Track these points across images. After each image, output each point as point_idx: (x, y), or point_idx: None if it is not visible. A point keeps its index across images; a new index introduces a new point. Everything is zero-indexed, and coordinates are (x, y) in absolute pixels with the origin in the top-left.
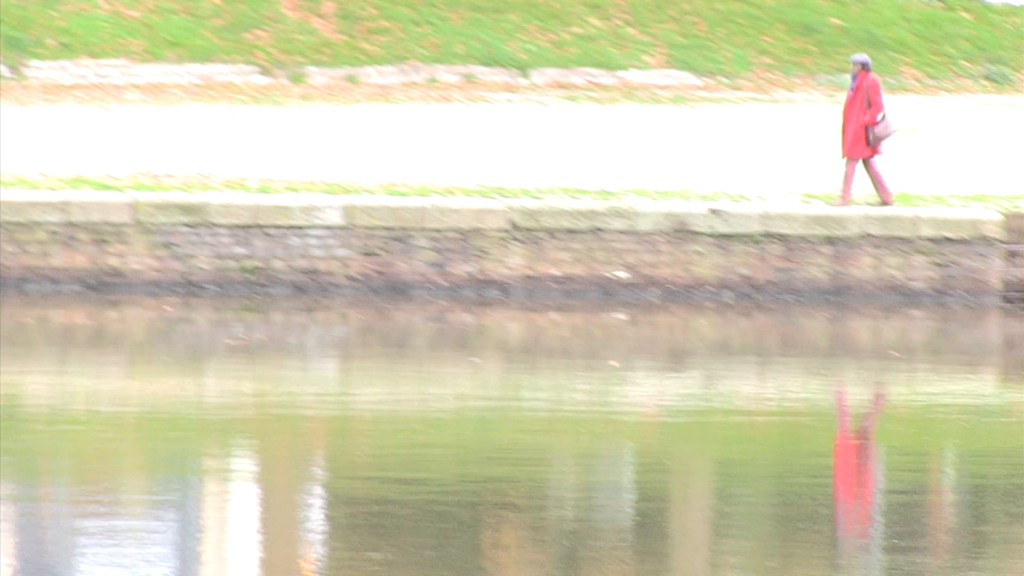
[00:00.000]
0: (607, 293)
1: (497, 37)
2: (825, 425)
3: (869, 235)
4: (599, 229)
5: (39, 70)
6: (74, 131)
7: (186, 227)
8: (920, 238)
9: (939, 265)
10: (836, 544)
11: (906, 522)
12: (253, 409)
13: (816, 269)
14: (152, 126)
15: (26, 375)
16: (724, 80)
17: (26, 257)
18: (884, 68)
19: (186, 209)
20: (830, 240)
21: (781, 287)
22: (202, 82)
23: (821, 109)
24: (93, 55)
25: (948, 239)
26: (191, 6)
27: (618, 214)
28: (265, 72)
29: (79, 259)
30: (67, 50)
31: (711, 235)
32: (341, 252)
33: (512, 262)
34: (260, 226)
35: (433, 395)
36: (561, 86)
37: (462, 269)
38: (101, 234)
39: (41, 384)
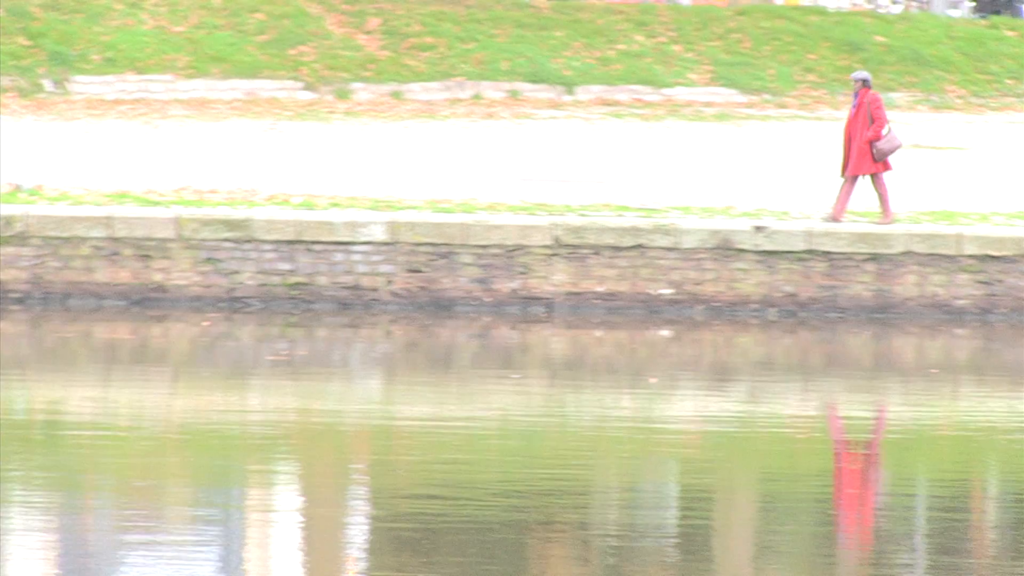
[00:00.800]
0: (651, 310)
1: (542, 54)
2: (864, 443)
3: (913, 253)
4: (643, 246)
5: (84, 85)
6: (118, 146)
7: (230, 243)
8: (964, 256)
9: (983, 283)
10: (876, 561)
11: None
12: (296, 425)
13: (860, 287)
14: (196, 141)
15: (70, 390)
16: (769, 98)
17: (70, 272)
18: (929, 87)
19: (230, 225)
20: (874, 258)
21: (825, 304)
22: (247, 98)
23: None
24: (138, 70)
25: (992, 257)
26: (236, 22)
27: (662, 231)
28: (310, 88)
29: (123, 274)
30: (112, 65)
31: (755, 252)
32: (385, 268)
33: (556, 279)
34: (304, 242)
35: (477, 412)
36: (606, 103)
37: (506, 286)
38: (145, 249)
39: (85, 399)
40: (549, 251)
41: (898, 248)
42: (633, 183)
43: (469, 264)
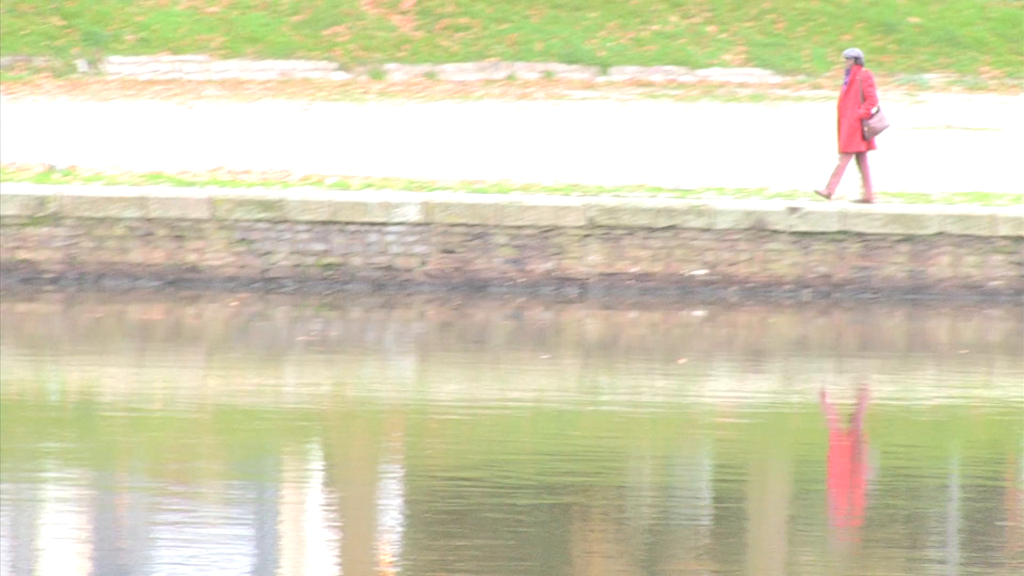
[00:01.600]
0: (685, 291)
1: (577, 35)
2: (900, 423)
3: (947, 234)
4: (678, 227)
5: (118, 66)
6: (152, 127)
7: (264, 223)
8: (998, 237)
9: (1017, 264)
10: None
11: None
12: (330, 406)
13: (894, 268)
14: (230, 122)
15: (104, 370)
16: (803, 78)
17: (104, 253)
18: (963, 67)
19: (264, 205)
20: (908, 239)
21: (859, 285)
22: (281, 78)
23: (900, 108)
24: (172, 51)
25: None
26: (270, 2)
27: (697, 212)
28: (344, 68)
29: (157, 255)
30: (146, 46)
31: (790, 233)
32: (419, 249)
33: (590, 260)
34: (338, 223)
35: (511, 393)
36: (640, 84)
37: (540, 266)
38: (179, 230)
39: (119, 379)
40: (583, 232)
41: (932, 229)
42: (668, 164)
43: (503, 245)
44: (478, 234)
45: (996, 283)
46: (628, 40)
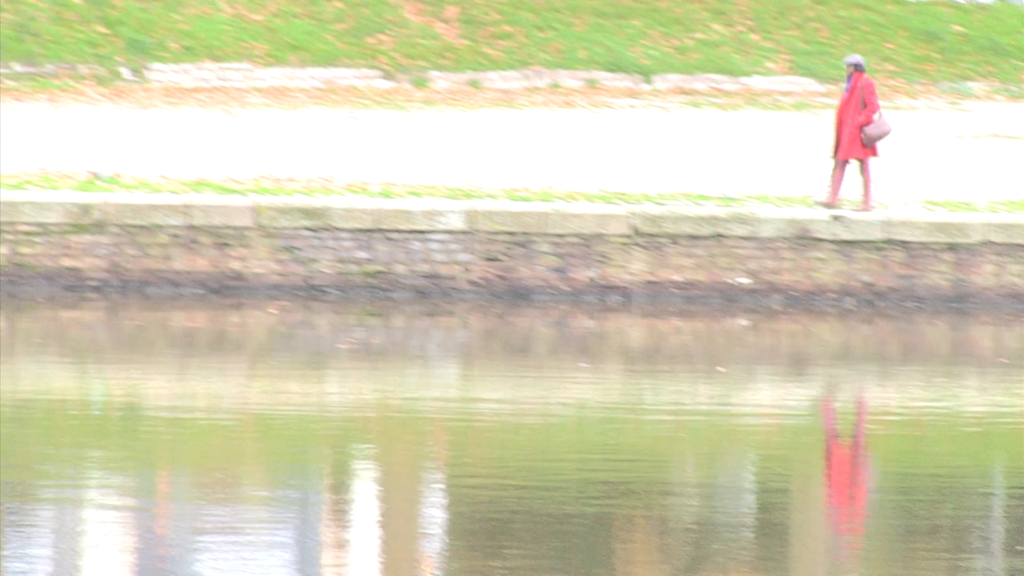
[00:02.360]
0: (729, 299)
1: (620, 43)
2: (945, 434)
3: (991, 243)
4: (721, 235)
5: (161, 73)
6: (196, 134)
7: (308, 231)
8: None
9: None
10: (956, 553)
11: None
12: (374, 413)
13: (938, 276)
14: (274, 130)
15: (147, 378)
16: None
17: (148, 260)
18: (1006, 76)
19: (308, 213)
20: (952, 247)
21: (903, 294)
22: (324, 86)
23: (944, 116)
24: (215, 58)
25: None
26: (314, 10)
27: (740, 220)
28: (388, 76)
29: (201, 262)
30: (189, 53)
31: (833, 242)
32: (463, 257)
33: (634, 268)
34: (382, 230)
35: (554, 401)
36: (684, 92)
37: (584, 274)
38: (223, 238)
39: (162, 387)
40: (627, 240)
41: (976, 238)
42: (711, 172)
43: (547, 253)
44: (521, 242)
45: None
46: (672, 48)
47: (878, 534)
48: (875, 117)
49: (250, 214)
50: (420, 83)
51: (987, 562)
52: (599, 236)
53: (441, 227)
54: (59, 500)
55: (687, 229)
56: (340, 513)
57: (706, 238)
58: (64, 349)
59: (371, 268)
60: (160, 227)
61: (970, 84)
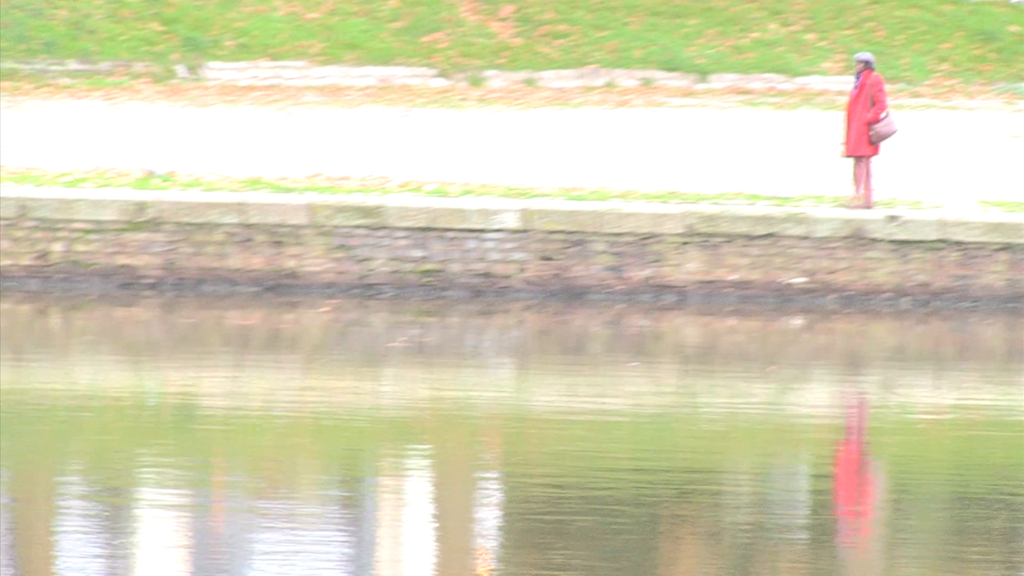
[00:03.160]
0: (784, 299)
1: (676, 42)
2: (1002, 434)
3: None
4: (776, 235)
5: (217, 71)
6: (251, 132)
7: (363, 229)
8: None
9: None
10: (1010, 555)
11: None
12: (428, 412)
13: (993, 276)
14: (329, 128)
15: (202, 376)
16: (903, 87)
17: (203, 258)
18: None
19: (363, 211)
20: (1007, 247)
21: (958, 294)
22: (380, 84)
23: (1000, 117)
24: (271, 57)
25: None
26: (370, 8)
27: (795, 220)
28: (443, 75)
29: (256, 261)
30: (245, 51)
31: (888, 242)
32: (518, 256)
33: (689, 267)
34: (437, 229)
35: (609, 400)
36: (740, 91)
37: (639, 274)
38: (278, 236)
39: (217, 384)
40: (682, 239)
41: None
42: (766, 172)
43: (602, 252)
44: (576, 241)
45: None
46: (727, 48)
47: (929, 537)
48: (883, 116)
49: (305, 212)
50: (475, 82)
51: None
52: (654, 235)
53: (496, 226)
54: (115, 497)
55: (742, 229)
56: (395, 510)
57: (761, 238)
58: (119, 347)
59: (426, 267)
60: (215, 225)
61: None
